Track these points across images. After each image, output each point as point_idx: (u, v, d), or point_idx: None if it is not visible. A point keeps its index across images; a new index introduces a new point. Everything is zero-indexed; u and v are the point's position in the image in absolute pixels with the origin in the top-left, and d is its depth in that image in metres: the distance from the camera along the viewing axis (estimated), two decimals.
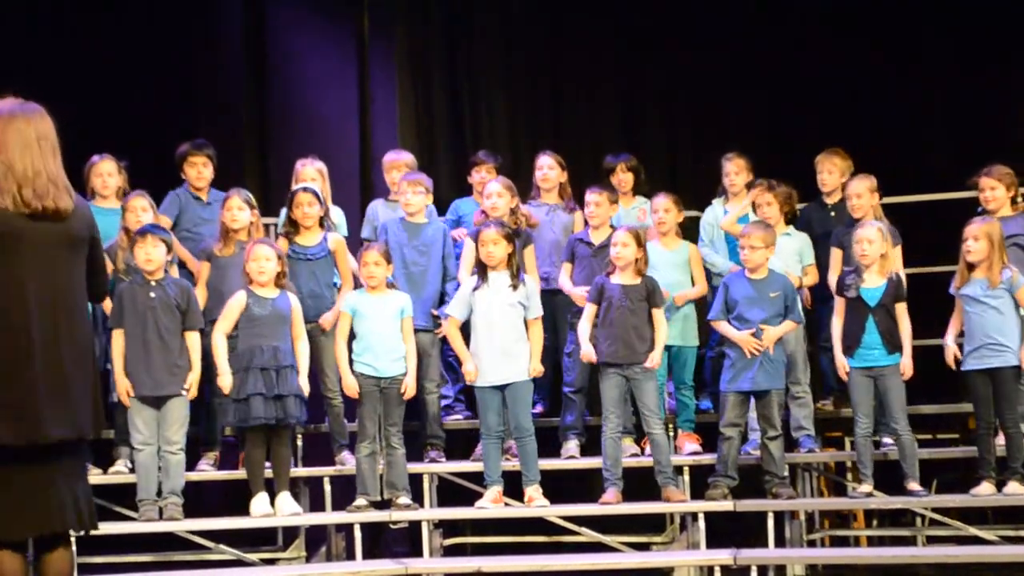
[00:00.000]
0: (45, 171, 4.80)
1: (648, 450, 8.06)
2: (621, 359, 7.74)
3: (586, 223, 8.40)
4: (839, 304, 7.80)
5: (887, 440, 7.95)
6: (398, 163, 8.83)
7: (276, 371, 7.57)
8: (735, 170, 8.59)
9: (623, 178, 8.90)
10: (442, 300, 8.28)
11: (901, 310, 7.70)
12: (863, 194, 8.11)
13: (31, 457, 4.75)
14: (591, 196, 8.27)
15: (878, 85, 9.83)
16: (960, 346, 7.73)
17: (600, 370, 7.83)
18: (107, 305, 7.49)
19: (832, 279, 8.07)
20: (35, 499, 4.78)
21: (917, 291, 8.14)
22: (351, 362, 7.79)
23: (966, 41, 9.80)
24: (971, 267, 7.61)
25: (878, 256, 7.68)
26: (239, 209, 8.04)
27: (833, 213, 8.51)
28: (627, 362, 7.74)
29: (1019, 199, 8.14)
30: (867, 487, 7.71)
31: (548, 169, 8.69)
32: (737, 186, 8.59)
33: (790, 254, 8.22)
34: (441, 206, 9.03)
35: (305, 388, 7.71)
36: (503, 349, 7.77)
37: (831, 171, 8.54)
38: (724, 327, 7.80)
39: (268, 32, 10.30)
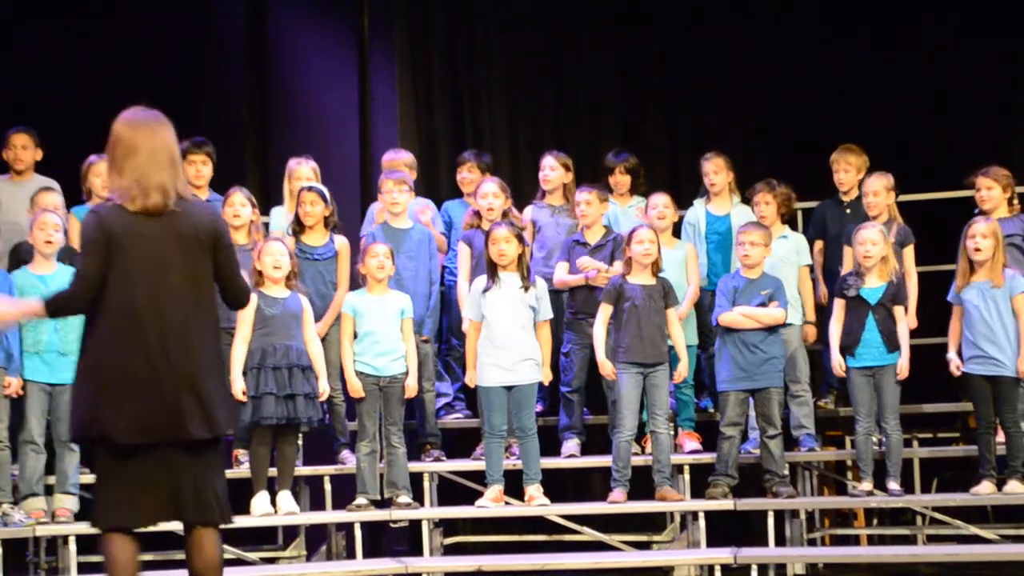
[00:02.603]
0: (143, 175, 4.97)
1: (648, 449, 8.06)
2: (647, 359, 7.73)
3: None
4: (837, 305, 7.81)
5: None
6: (397, 162, 8.81)
7: (288, 370, 7.57)
8: (714, 169, 8.58)
9: (620, 180, 8.90)
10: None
11: (899, 312, 7.72)
12: (880, 192, 8.13)
13: (155, 451, 4.93)
14: (581, 195, 8.26)
15: (882, 83, 9.81)
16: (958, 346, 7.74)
17: (618, 369, 7.80)
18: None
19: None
20: (156, 491, 4.97)
21: (919, 289, 8.15)
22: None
23: (973, 38, 9.79)
24: (973, 268, 7.61)
25: (880, 258, 7.69)
26: (241, 205, 8.06)
27: (849, 210, 8.48)
28: (652, 361, 7.74)
29: (1015, 200, 8.15)
30: (867, 485, 7.71)
31: (550, 170, 8.68)
32: (717, 185, 8.59)
33: (786, 255, 8.21)
34: (442, 207, 9.04)
35: (325, 390, 7.74)
36: (513, 350, 7.76)
37: (847, 169, 8.51)
38: (738, 314, 7.76)
39: (269, 32, 10.31)
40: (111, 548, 4.99)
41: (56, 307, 5.06)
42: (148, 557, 7.76)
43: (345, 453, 8.11)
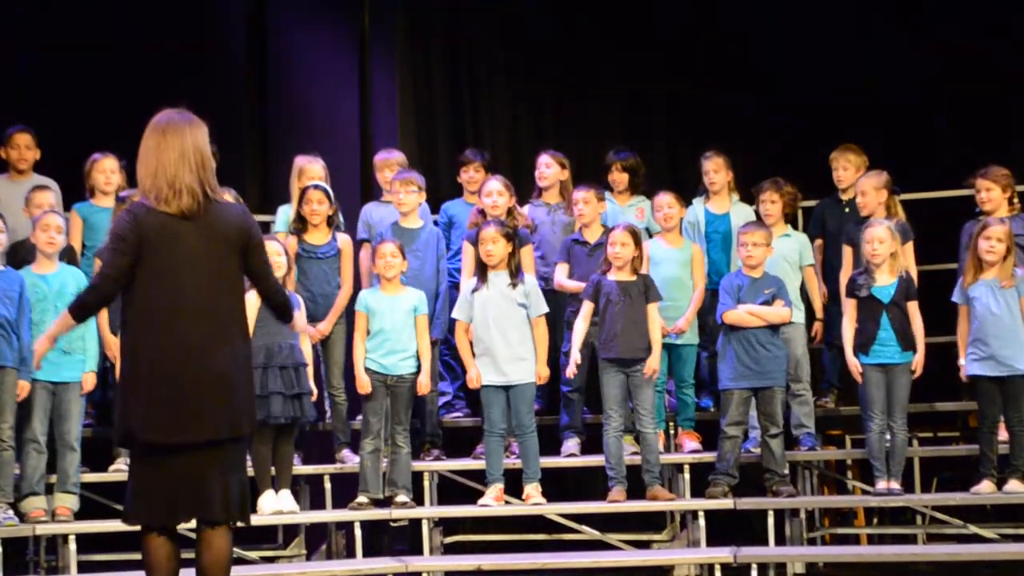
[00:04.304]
0: (174, 177, 5.01)
1: None
2: (623, 355, 7.74)
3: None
4: (849, 306, 7.80)
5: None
6: (390, 162, 8.79)
7: (294, 369, 7.59)
8: (714, 168, 8.59)
9: (618, 177, 8.89)
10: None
11: (913, 308, 7.71)
12: (868, 192, 8.11)
13: (183, 450, 5.00)
14: (578, 195, 8.27)
15: (883, 82, 9.82)
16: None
17: (600, 368, 7.83)
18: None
19: (844, 277, 8.07)
20: (184, 489, 5.03)
21: (920, 289, 8.14)
22: None
23: (973, 38, 9.79)
24: (981, 268, 7.61)
25: (888, 255, 7.69)
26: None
27: (848, 209, 8.48)
28: (628, 358, 7.74)
29: (1015, 200, 8.15)
30: (884, 484, 7.66)
31: (546, 167, 8.68)
32: (717, 184, 8.60)
33: (788, 253, 8.21)
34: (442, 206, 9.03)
35: (313, 388, 7.75)
36: (507, 349, 7.77)
37: (846, 167, 8.54)
38: (744, 312, 7.76)
39: (269, 31, 10.31)
40: (149, 548, 5.06)
41: (79, 308, 5.10)
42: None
43: (345, 452, 8.11)
